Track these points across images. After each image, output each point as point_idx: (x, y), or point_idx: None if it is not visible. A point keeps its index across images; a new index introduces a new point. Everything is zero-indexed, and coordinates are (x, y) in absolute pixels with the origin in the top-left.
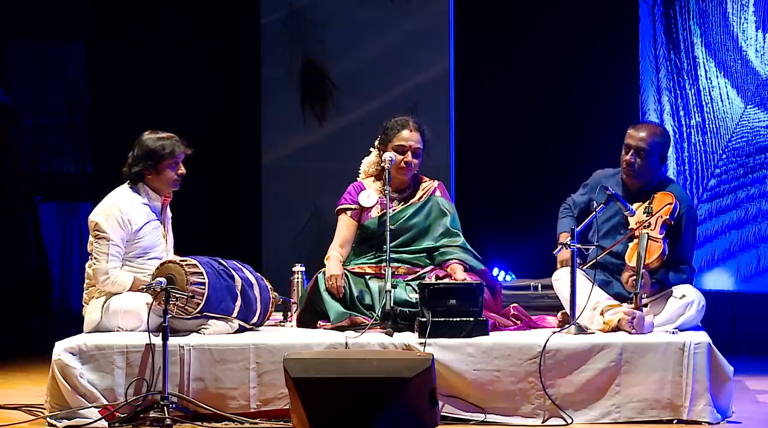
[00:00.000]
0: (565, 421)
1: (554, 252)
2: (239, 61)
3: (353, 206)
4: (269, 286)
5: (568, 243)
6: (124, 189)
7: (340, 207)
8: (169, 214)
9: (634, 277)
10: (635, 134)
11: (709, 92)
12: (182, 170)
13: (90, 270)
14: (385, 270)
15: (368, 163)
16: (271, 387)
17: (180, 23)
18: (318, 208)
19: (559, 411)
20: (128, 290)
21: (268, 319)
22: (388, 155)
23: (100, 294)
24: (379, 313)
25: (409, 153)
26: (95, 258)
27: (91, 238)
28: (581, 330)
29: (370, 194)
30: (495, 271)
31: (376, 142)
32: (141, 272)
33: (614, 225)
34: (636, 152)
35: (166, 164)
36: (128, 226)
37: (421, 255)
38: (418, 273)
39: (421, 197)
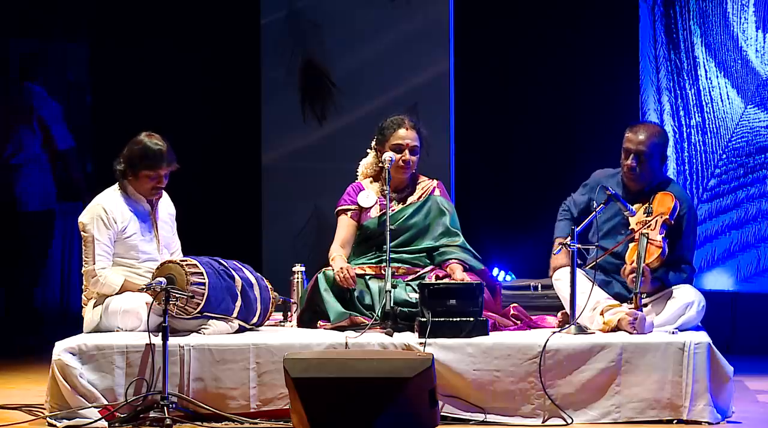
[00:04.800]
0: (565, 421)
1: (554, 252)
2: (239, 61)
3: (352, 207)
4: (269, 286)
5: (568, 243)
6: (111, 188)
7: (339, 208)
8: (171, 211)
9: (635, 274)
10: (634, 138)
11: (709, 92)
12: (162, 184)
13: (82, 271)
14: (385, 271)
15: (366, 165)
16: (271, 387)
17: (180, 23)
18: (318, 208)
19: (559, 411)
20: (119, 291)
21: (268, 319)
22: (388, 155)
23: (97, 294)
24: (379, 313)
25: (407, 151)
26: (84, 260)
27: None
28: (581, 330)
29: (369, 194)
30: (495, 271)
31: (373, 143)
32: (132, 274)
33: (615, 226)
34: (636, 156)
35: (145, 173)
36: (114, 225)
37: (421, 255)
38: (418, 273)
39: (420, 196)
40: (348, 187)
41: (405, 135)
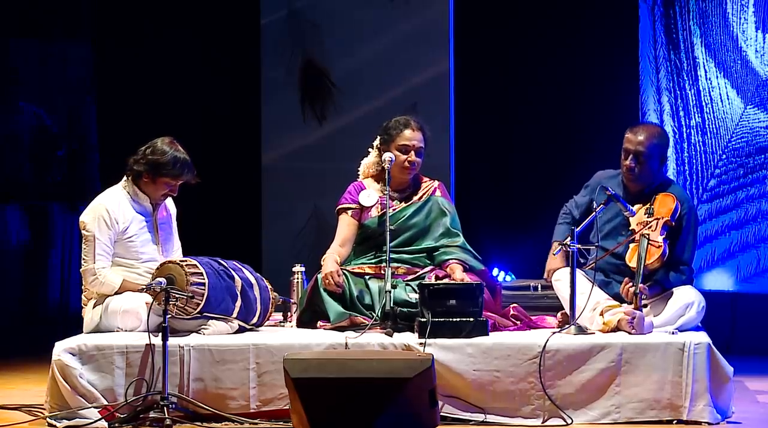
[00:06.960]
0: (565, 421)
1: (553, 253)
2: (239, 61)
3: (353, 205)
4: (269, 286)
5: (568, 243)
6: (114, 188)
7: (340, 206)
8: (172, 211)
9: (633, 290)
10: (633, 138)
11: (709, 92)
12: (175, 192)
13: (81, 271)
14: (384, 271)
15: (367, 164)
16: (271, 387)
17: (180, 23)
18: (318, 208)
19: (559, 411)
20: (118, 291)
21: (268, 319)
22: (388, 155)
23: (97, 294)
24: (379, 313)
25: (413, 152)
26: (84, 259)
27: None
28: (581, 330)
29: (370, 193)
30: (495, 271)
31: (376, 143)
32: (132, 274)
33: (615, 227)
34: (635, 156)
35: (164, 181)
36: (115, 226)
37: (421, 255)
38: (418, 274)
39: (421, 197)
40: (349, 185)
41: (411, 136)
